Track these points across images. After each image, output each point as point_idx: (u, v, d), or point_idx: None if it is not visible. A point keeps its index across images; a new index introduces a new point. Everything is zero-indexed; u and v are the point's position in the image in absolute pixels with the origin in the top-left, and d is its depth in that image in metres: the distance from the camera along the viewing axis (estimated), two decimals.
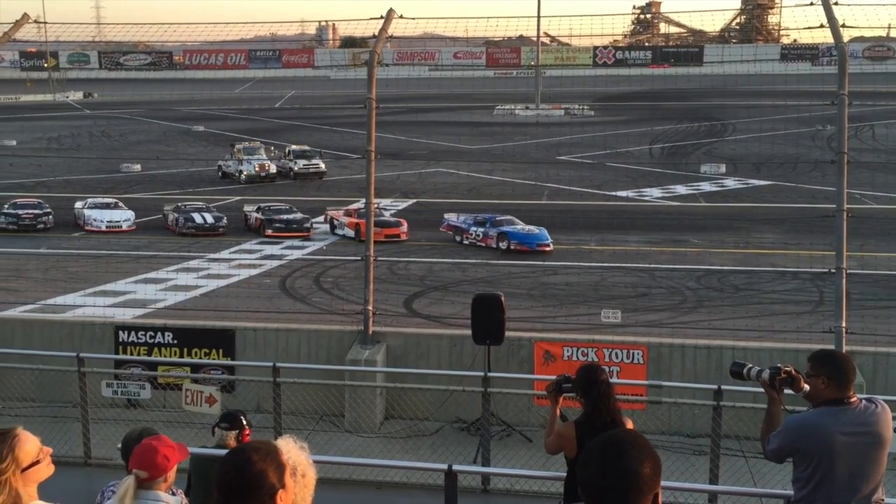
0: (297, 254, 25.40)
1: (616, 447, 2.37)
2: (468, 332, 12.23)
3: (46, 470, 2.70)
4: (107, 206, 29.57)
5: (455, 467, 6.29)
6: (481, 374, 10.48)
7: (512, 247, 24.84)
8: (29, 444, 2.68)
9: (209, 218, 28.10)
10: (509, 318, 12.32)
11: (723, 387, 9.40)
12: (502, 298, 12.07)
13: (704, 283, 21.42)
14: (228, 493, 2.55)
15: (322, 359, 13.02)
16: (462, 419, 12.42)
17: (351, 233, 26.67)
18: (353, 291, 19.79)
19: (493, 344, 11.80)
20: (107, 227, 28.24)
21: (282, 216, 28.06)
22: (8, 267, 22.05)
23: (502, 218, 26.40)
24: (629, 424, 5.43)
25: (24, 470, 2.64)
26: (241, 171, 39.48)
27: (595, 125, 58.05)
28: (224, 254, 25.24)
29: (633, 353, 12.53)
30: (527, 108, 67.85)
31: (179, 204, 29.41)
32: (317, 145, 44.43)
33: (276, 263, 24.08)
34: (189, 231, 27.48)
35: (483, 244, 25.48)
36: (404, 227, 26.72)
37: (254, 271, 23.14)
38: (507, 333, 12.06)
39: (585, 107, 67.98)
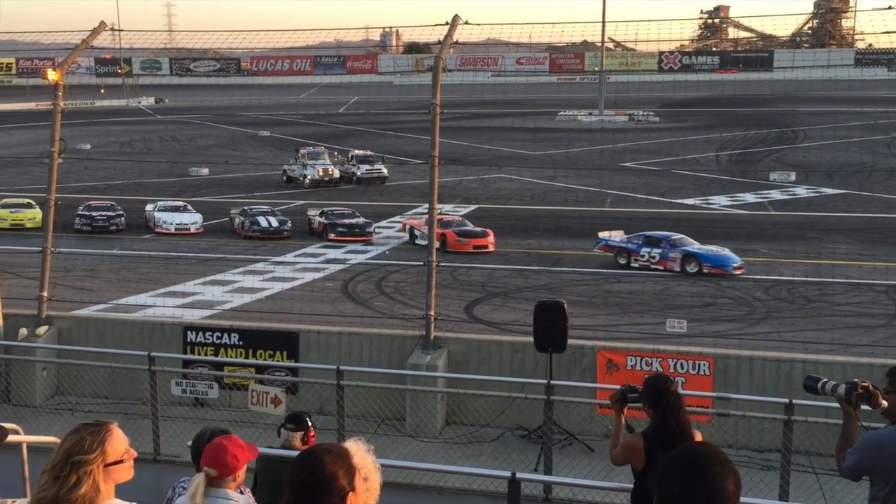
0: (359, 258, 25.63)
1: (699, 462, 2.31)
2: (530, 339, 12.14)
3: (127, 472, 2.76)
4: (176, 209, 30.33)
5: (518, 475, 6.25)
6: (544, 381, 10.39)
7: (705, 270, 22.43)
8: (118, 441, 2.74)
9: (274, 222, 28.49)
10: (571, 325, 12.19)
11: (794, 401, 9.14)
12: (565, 306, 11.96)
13: (773, 293, 20.90)
14: (300, 493, 2.59)
15: (384, 363, 13.09)
16: (523, 426, 12.34)
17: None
18: (414, 296, 19.88)
19: (555, 351, 11.68)
20: (175, 229, 28.96)
21: (344, 220, 28.31)
22: (83, 267, 22.75)
23: (676, 237, 24.14)
24: (698, 436, 5.31)
25: (107, 465, 2.70)
26: (305, 176, 40.05)
27: (660, 131, 57.25)
28: (288, 257, 25.63)
29: (699, 364, 12.28)
30: (590, 113, 67.30)
31: (245, 208, 29.90)
32: (379, 150, 44.83)
33: (338, 267, 24.35)
34: (255, 234, 27.93)
35: (661, 267, 23.10)
36: (491, 238, 26.09)
37: (317, 275, 23.43)
38: (570, 341, 11.93)
39: (650, 112, 67.11)
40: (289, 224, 28.65)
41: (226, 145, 56.13)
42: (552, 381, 10.30)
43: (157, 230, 29.17)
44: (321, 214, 28.96)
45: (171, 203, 31.35)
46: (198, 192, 38.29)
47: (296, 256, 25.82)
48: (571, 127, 61.97)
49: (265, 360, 13.27)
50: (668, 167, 43.70)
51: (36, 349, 13.33)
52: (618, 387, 5.85)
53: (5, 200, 30.61)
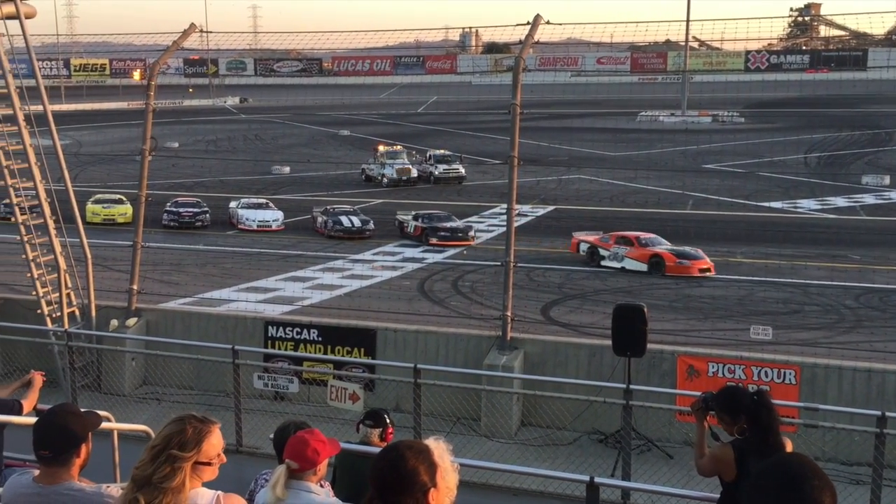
0: (436, 257, 25.72)
1: (794, 476, 2.22)
2: (608, 342, 11.98)
3: (212, 473, 2.82)
4: (258, 207, 30.96)
5: (597, 479, 6.16)
6: (622, 386, 10.23)
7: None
8: (215, 442, 2.81)
9: (356, 221, 28.57)
10: (651, 329, 11.97)
11: (888, 413, 8.76)
12: (645, 309, 11.75)
13: (864, 301, 20.07)
14: (383, 488, 2.62)
15: (459, 362, 13.13)
16: (599, 431, 12.19)
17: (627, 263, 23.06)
18: (490, 297, 19.83)
19: (634, 356, 11.50)
20: (258, 226, 29.55)
21: (445, 224, 27.74)
22: (169, 261, 23.47)
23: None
24: (789, 446, 5.13)
25: (196, 464, 2.77)
26: (383, 175, 40.46)
27: (745, 133, 55.74)
28: (366, 255, 25.91)
29: (785, 373, 11.91)
30: (672, 114, 66.01)
31: (328, 207, 30.13)
32: (457, 150, 44.93)
33: (415, 266, 24.48)
34: (337, 234, 28.00)
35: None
36: (707, 258, 22.89)
37: (394, 273, 23.61)
38: (649, 346, 11.72)
39: (735, 113, 65.42)
40: (371, 224, 28.74)
41: (307, 144, 57.17)
42: (632, 386, 10.11)
43: (239, 227, 29.84)
44: (417, 218, 28.18)
45: (253, 200, 31.98)
46: (279, 189, 39.08)
47: (373, 254, 26.08)
48: (653, 128, 60.91)
49: (343, 356, 13.47)
50: (753, 169, 42.49)
51: (126, 340, 13.84)
52: (699, 394, 5.71)
53: (97, 196, 31.81)
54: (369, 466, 6.37)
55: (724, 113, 64.87)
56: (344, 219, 28.64)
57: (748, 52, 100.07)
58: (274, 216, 30.20)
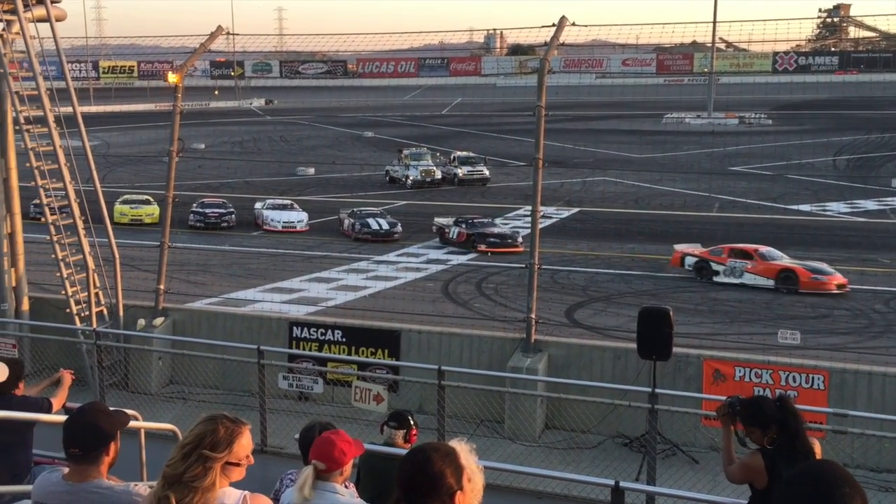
0: (460, 259, 25.71)
1: (826, 482, 2.19)
2: (633, 345, 11.88)
3: (240, 473, 2.84)
4: (283, 208, 31.13)
5: (622, 484, 6.11)
6: (647, 389, 10.15)
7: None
8: (245, 442, 2.83)
9: (384, 224, 28.33)
10: (676, 333, 11.86)
11: None
12: (671, 313, 11.64)
13: (894, 306, 19.80)
14: (409, 490, 2.62)
15: (483, 364, 13.10)
16: (624, 434, 12.11)
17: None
18: (514, 299, 19.79)
19: (659, 359, 11.37)
20: (283, 227, 29.70)
21: (492, 230, 26.88)
22: (196, 262, 23.68)
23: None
24: (818, 449, 5.06)
25: (226, 464, 2.78)
26: (407, 176, 40.53)
27: (772, 135, 55.18)
28: (390, 256, 25.96)
29: (813, 378, 11.76)
30: (698, 116, 65.53)
31: (355, 209, 30.04)
32: (481, 152, 44.92)
33: (439, 268, 24.50)
34: (364, 236, 27.81)
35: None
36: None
37: (418, 275, 23.64)
38: (675, 349, 11.61)
39: (762, 115, 64.80)
40: (399, 226, 28.53)
41: (331, 146, 57.42)
42: (657, 390, 10.03)
43: (265, 227, 30.00)
44: (459, 223, 27.20)
45: (278, 201, 32.17)
46: (304, 191, 39.28)
47: (397, 256, 26.13)
48: (678, 129, 60.50)
49: (367, 357, 13.49)
50: (781, 172, 42.06)
51: (152, 339, 13.97)
52: (725, 398, 5.64)
53: (125, 197, 32.17)
54: (393, 468, 6.37)
55: (751, 115, 64.26)
56: (372, 221, 28.44)
57: (776, 54, 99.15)
58: (298, 217, 30.34)
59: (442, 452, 2.66)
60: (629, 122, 58.24)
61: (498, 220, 31.12)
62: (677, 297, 20.31)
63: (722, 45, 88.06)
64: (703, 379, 12.31)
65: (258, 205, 31.59)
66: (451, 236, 27.21)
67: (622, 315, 17.88)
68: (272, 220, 30.06)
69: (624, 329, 16.38)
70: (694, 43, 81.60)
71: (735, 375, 12.27)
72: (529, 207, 13.71)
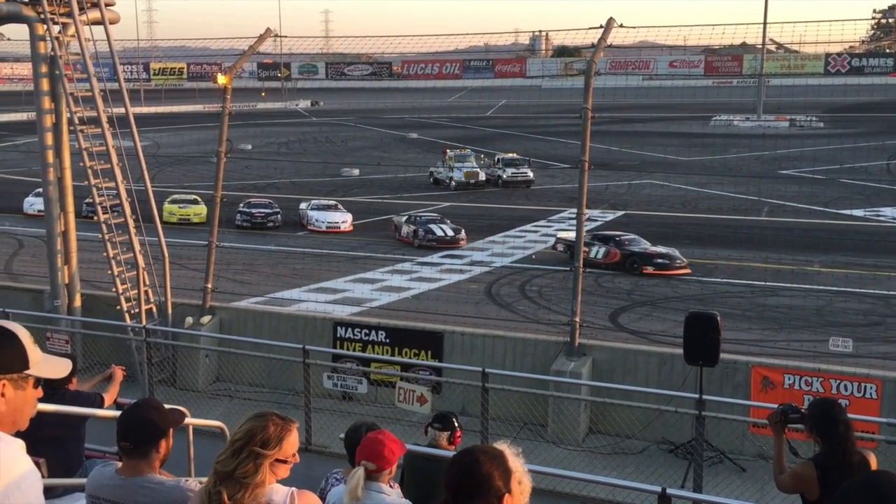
0: (503, 261, 25.65)
1: (883, 495, 2.13)
2: (679, 350, 11.72)
3: (285, 471, 2.86)
4: (327, 208, 31.34)
5: (669, 491, 6.03)
6: (694, 395, 10.01)
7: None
8: (293, 440, 2.85)
9: (449, 230, 27.39)
10: (724, 338, 11.67)
11: None
12: (718, 318, 11.46)
13: None
14: (457, 492, 2.61)
15: (526, 367, 13.03)
16: (669, 440, 11.95)
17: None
18: (558, 301, 19.68)
19: (706, 365, 11.21)
20: (327, 227, 29.89)
21: (655, 249, 23.67)
22: (242, 261, 23.98)
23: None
24: (873, 461, 4.93)
25: (275, 461, 2.80)
26: (451, 178, 40.57)
27: (824, 138, 53.99)
28: (433, 258, 26.00)
29: (866, 387, 11.47)
30: (747, 118, 64.51)
31: (412, 214, 29.24)
32: (526, 154, 44.76)
33: (482, 270, 24.46)
34: (430, 243, 26.77)
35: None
36: None
37: (461, 276, 23.63)
38: (722, 355, 11.43)
39: (814, 118, 63.55)
40: (463, 231, 27.51)
41: (376, 147, 57.73)
42: (705, 397, 9.87)
43: (309, 228, 30.22)
44: (606, 241, 24.19)
45: (323, 202, 32.40)
46: (348, 191, 39.55)
47: (441, 257, 26.15)
48: (726, 132, 59.58)
49: (410, 358, 13.52)
50: (833, 176, 41.17)
51: (200, 337, 14.17)
52: (776, 406, 5.52)
53: (174, 196, 32.72)
54: (437, 469, 6.39)
55: (802, 117, 63.06)
56: (436, 227, 27.47)
57: (828, 55, 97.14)
58: (342, 217, 30.48)
59: (490, 455, 2.64)
60: (676, 125, 57.55)
61: (541, 222, 30.92)
62: (724, 303, 19.99)
63: (772, 47, 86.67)
64: (751, 386, 12.09)
65: (303, 205, 31.86)
66: (596, 257, 23.37)
67: (667, 320, 17.66)
68: (316, 221, 30.26)
69: (669, 334, 16.18)
70: (743, 44, 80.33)
71: (784, 383, 12.03)
72: (574, 210, 13.64)
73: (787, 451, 5.40)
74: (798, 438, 6.00)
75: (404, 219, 28.88)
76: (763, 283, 21.94)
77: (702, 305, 19.28)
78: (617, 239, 24.34)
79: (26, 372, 2.17)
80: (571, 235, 23.73)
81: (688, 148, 49.48)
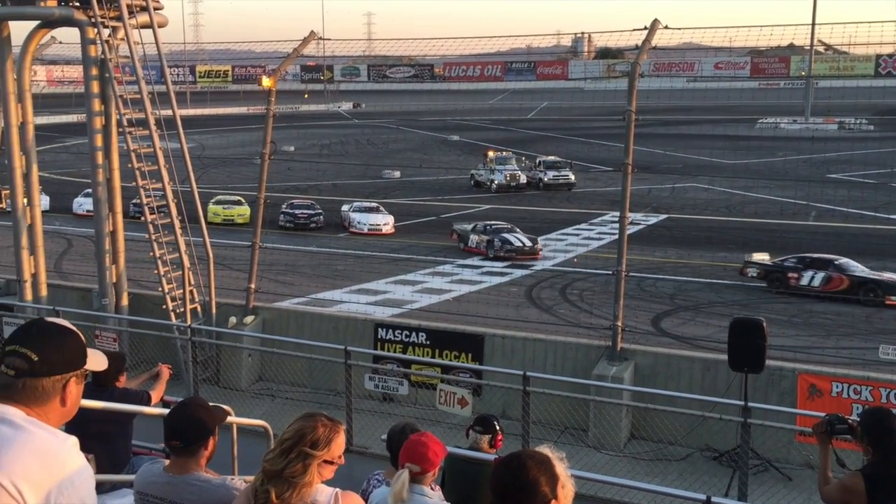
0: (545, 264, 25.54)
1: None
2: (723, 356, 11.56)
3: (330, 472, 2.87)
4: (369, 210, 31.44)
5: (714, 499, 5.93)
6: (739, 402, 9.84)
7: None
8: (341, 442, 2.87)
9: (526, 240, 26.09)
10: (770, 345, 11.47)
11: None
12: (764, 324, 11.26)
13: None
14: (503, 496, 2.62)
15: (567, 371, 12.94)
16: (712, 448, 11.78)
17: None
18: (599, 305, 19.53)
19: (751, 372, 11.03)
20: (368, 229, 29.99)
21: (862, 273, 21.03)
22: (284, 262, 24.22)
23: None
24: None
25: (323, 461, 2.82)
26: (492, 181, 40.51)
27: (874, 141, 52.79)
28: (473, 260, 25.98)
29: None
30: (794, 121, 63.41)
31: (478, 224, 27.74)
32: (567, 156, 44.54)
33: (522, 273, 24.38)
34: (508, 255, 25.49)
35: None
36: None
37: (501, 279, 23.58)
38: (768, 362, 11.24)
39: (863, 120, 62.22)
40: (539, 241, 26.46)
41: (417, 149, 57.91)
42: (750, 404, 9.70)
43: (351, 230, 30.37)
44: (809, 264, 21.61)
45: (365, 204, 32.53)
46: (389, 193, 39.72)
47: (481, 260, 26.12)
48: (773, 135, 58.61)
49: (450, 360, 13.51)
50: (883, 180, 40.23)
51: (243, 337, 14.33)
52: (823, 415, 5.40)
53: (218, 197, 33.17)
54: (478, 472, 6.36)
55: (851, 120, 61.80)
56: (512, 237, 26.09)
57: (879, 57, 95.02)
58: (384, 220, 30.54)
59: (537, 460, 2.64)
60: (721, 128, 56.67)
61: (583, 226, 30.64)
62: (770, 308, 19.65)
63: (821, 48, 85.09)
64: (797, 393, 11.86)
65: (345, 207, 32.03)
66: (811, 284, 21.13)
67: (711, 325, 17.42)
68: (358, 223, 30.37)
69: (713, 339, 15.96)
70: (791, 46, 79.03)
71: (832, 391, 11.77)
72: (615, 213, 13.51)
73: (833, 462, 5.28)
74: (846, 448, 5.87)
75: (470, 227, 27.51)
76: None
77: (747, 311, 18.98)
78: (836, 263, 21.40)
79: (84, 367, 2.23)
80: (758, 260, 22.28)
81: (733, 151, 48.74)
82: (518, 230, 27.09)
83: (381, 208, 31.92)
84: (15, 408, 2.11)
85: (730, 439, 10.97)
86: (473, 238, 26.79)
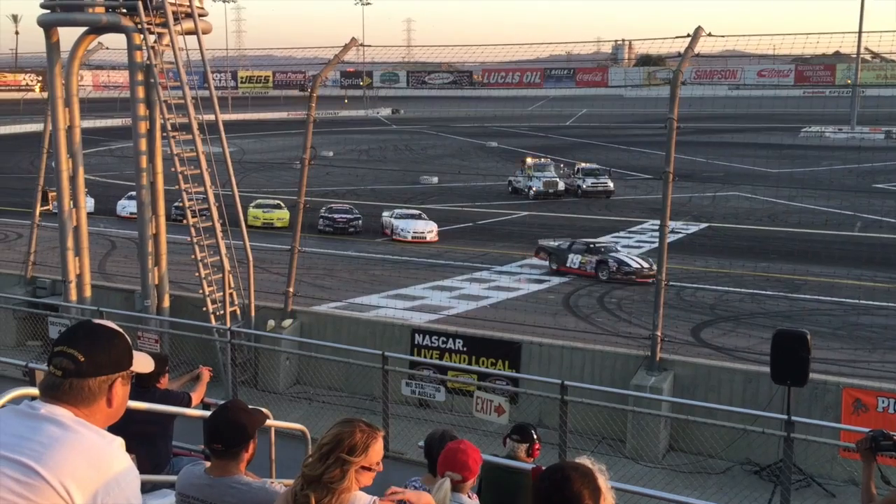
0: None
1: None
2: (765, 368, 11.37)
3: (369, 479, 2.87)
4: (412, 217, 30.97)
5: None
6: (781, 416, 9.65)
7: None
8: (379, 448, 2.86)
9: (642, 262, 23.80)
10: (813, 358, 11.25)
11: None
12: (808, 336, 11.05)
13: None
14: None
15: (605, 381, 12.82)
16: (753, 461, 11.57)
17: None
18: (637, 314, 19.33)
19: (794, 385, 10.83)
20: (412, 237, 29.40)
21: None
22: (322, 266, 24.37)
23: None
24: None
25: (361, 468, 2.81)
26: (530, 187, 40.37)
27: None
28: (511, 267, 25.88)
29: None
30: (839, 129, 62.28)
31: (575, 242, 25.17)
32: (606, 164, 44.26)
33: (560, 280, 24.22)
34: (626, 277, 23.30)
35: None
36: None
37: (539, 286, 23.46)
38: (811, 375, 11.02)
39: None
40: (653, 263, 22.94)
41: (455, 155, 57.95)
42: (794, 418, 9.51)
43: (394, 238, 29.82)
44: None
45: (407, 211, 32.07)
46: (427, 199, 39.78)
47: (518, 267, 26.01)
48: (817, 144, 57.63)
49: (487, 367, 13.47)
50: None
51: (281, 340, 14.43)
52: (867, 430, 5.26)
53: (258, 201, 33.50)
54: (515, 481, 6.30)
55: None
56: (628, 258, 23.96)
57: None
58: (428, 227, 29.94)
59: (580, 472, 2.62)
60: (764, 136, 55.92)
61: (621, 233, 30.38)
62: (814, 320, 19.27)
63: (868, 56, 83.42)
64: (841, 408, 11.61)
65: (386, 214, 31.74)
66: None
67: (753, 336, 17.13)
68: (402, 230, 29.74)
69: (755, 351, 15.69)
70: (837, 53, 77.65)
71: (878, 406, 11.50)
72: (654, 221, 13.39)
73: (877, 478, 5.14)
74: (891, 465, 5.72)
75: (565, 245, 24.87)
76: (855, 300, 21.06)
77: (790, 322, 18.64)
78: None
79: (130, 369, 2.25)
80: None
81: (776, 160, 47.98)
82: (617, 248, 25.21)
83: (423, 215, 31.48)
84: (63, 408, 2.14)
85: (771, 453, 10.78)
86: (574, 258, 24.22)
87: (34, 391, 3.39)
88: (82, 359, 2.15)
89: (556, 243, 25.45)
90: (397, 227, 30.06)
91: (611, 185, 40.64)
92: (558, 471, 2.63)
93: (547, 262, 25.00)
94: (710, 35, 13.43)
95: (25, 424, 2.11)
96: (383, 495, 3.04)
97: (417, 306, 20.29)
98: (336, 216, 31.30)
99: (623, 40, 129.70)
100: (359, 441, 2.77)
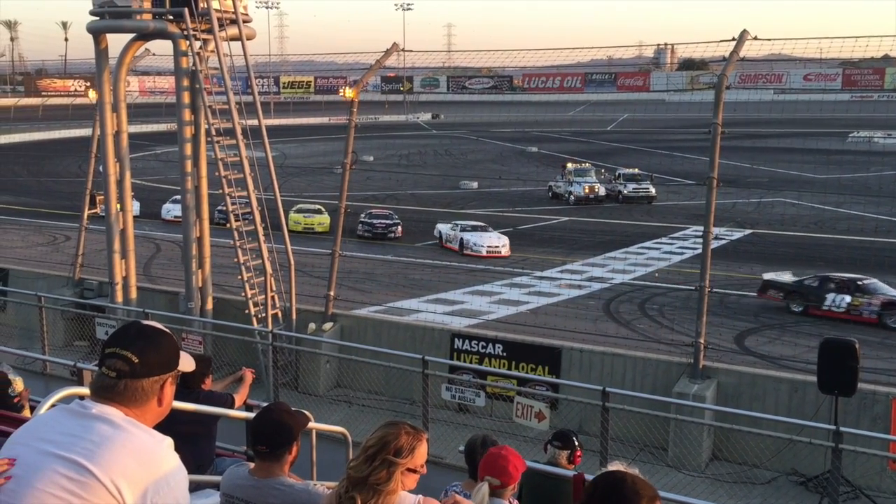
0: (623, 277, 25.13)
1: None
2: (811, 377, 11.15)
3: (413, 482, 2.86)
4: (480, 230, 29.31)
5: None
6: (829, 426, 9.45)
7: None
8: (423, 450, 2.86)
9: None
10: (862, 367, 11.00)
11: None
12: (856, 345, 10.81)
13: None
14: None
15: (647, 388, 12.67)
16: (799, 472, 11.34)
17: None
18: (679, 321, 19.09)
19: (842, 395, 10.60)
20: (487, 251, 27.67)
21: None
22: (362, 270, 24.49)
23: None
24: None
25: (406, 470, 2.81)
26: (570, 193, 40.16)
27: None
28: (551, 272, 25.75)
29: None
30: (889, 135, 60.90)
31: (805, 277, 21.17)
32: (647, 169, 43.83)
33: (600, 286, 24.04)
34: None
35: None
36: None
37: (579, 292, 23.30)
38: (860, 385, 10.78)
39: None
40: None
41: (495, 160, 57.90)
42: (842, 429, 9.30)
43: (465, 252, 27.89)
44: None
45: (470, 223, 30.37)
46: (467, 204, 39.78)
47: (559, 272, 25.88)
48: (865, 149, 56.43)
49: (527, 373, 13.40)
50: None
51: (322, 343, 14.52)
52: None
53: (299, 206, 33.78)
54: (556, 487, 6.25)
55: None
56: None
57: None
58: (500, 241, 28.17)
59: (641, 481, 2.60)
60: (811, 141, 54.87)
61: (663, 239, 30.01)
62: (863, 330, 18.83)
63: None
64: (891, 419, 11.33)
65: (444, 227, 30.25)
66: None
67: (799, 345, 16.82)
68: (475, 245, 27.90)
69: (800, 360, 15.41)
70: (886, 57, 76.03)
71: None
72: (697, 227, 13.21)
73: None
74: None
75: (815, 282, 20.45)
76: None
77: (837, 331, 18.25)
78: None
79: (178, 368, 2.28)
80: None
81: (823, 165, 47.12)
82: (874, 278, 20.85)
83: (489, 227, 29.84)
84: (114, 408, 2.17)
85: (817, 464, 10.56)
86: (838, 299, 19.82)
87: (84, 390, 3.46)
88: (136, 360, 2.18)
89: (793, 278, 21.10)
90: (469, 242, 28.17)
91: (652, 190, 40.26)
92: (614, 474, 2.62)
93: (781, 303, 20.86)
94: (755, 39, 13.23)
95: (78, 423, 2.14)
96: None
97: (457, 311, 20.28)
98: (375, 221, 31.44)
99: (665, 44, 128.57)
100: (405, 443, 2.77)
